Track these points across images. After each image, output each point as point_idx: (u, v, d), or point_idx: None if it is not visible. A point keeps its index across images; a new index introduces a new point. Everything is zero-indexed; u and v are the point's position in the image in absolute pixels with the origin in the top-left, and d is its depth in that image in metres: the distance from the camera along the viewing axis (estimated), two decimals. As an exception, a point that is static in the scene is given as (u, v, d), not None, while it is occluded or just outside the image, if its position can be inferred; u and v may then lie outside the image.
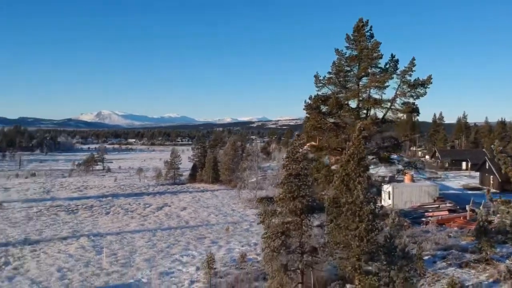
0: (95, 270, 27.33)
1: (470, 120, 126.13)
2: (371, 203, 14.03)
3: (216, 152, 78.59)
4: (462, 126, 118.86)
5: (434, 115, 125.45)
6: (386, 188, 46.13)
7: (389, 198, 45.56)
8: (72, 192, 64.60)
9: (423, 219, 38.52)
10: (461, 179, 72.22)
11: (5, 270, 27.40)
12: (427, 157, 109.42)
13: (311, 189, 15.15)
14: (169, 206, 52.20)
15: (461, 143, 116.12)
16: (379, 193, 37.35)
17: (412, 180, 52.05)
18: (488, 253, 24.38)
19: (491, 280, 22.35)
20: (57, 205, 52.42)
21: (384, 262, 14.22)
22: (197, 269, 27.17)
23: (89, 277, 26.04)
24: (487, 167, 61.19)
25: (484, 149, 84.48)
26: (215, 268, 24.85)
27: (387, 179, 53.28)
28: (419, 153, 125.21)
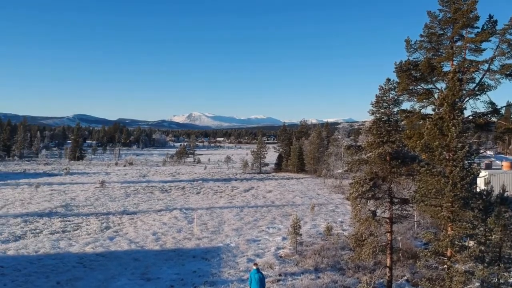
0: (187, 235, 28.72)
1: None
2: (466, 147, 13.39)
3: (302, 142, 78.68)
4: None
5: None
6: (483, 175, 43.33)
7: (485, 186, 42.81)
8: (165, 177, 68.45)
9: (525, 205, 35.71)
10: None
11: (106, 232, 29.70)
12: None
13: (401, 135, 14.78)
14: (256, 189, 53.45)
15: None
16: (475, 180, 35.21)
17: (512, 167, 48.27)
18: None
19: None
20: (151, 186, 55.81)
21: (480, 208, 13.52)
22: (283, 239, 27.52)
23: (181, 240, 27.45)
24: None
25: None
26: (300, 234, 25.05)
27: (483, 166, 50.06)
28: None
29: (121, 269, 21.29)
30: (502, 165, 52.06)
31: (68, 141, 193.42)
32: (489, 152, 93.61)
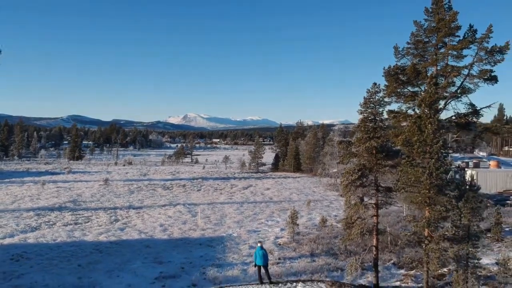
0: (192, 226, 30.91)
1: None
2: (440, 142, 15.67)
3: (298, 142, 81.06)
4: None
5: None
6: (470, 173, 45.80)
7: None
8: (166, 175, 70.61)
9: (508, 201, 38.15)
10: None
11: (116, 224, 31.81)
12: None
13: (385, 132, 17.06)
14: (254, 187, 55.82)
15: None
16: (462, 178, 37.56)
17: (498, 166, 50.88)
18: None
19: None
20: (153, 183, 57.96)
21: (456, 195, 15.82)
22: (281, 230, 29.76)
23: (187, 230, 29.64)
24: None
25: None
26: (297, 225, 27.30)
27: (471, 165, 52.68)
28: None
29: (135, 255, 23.43)
30: (489, 164, 54.83)
31: (65, 142, 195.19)
32: (482, 153, 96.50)
